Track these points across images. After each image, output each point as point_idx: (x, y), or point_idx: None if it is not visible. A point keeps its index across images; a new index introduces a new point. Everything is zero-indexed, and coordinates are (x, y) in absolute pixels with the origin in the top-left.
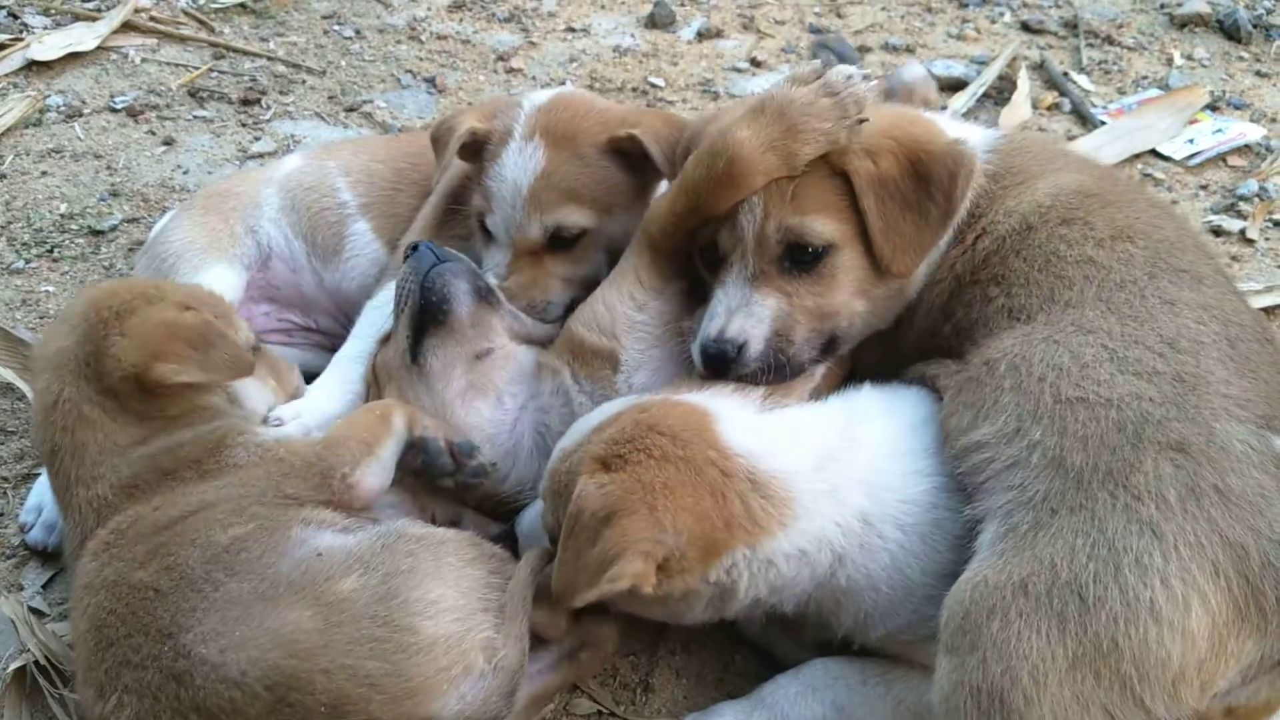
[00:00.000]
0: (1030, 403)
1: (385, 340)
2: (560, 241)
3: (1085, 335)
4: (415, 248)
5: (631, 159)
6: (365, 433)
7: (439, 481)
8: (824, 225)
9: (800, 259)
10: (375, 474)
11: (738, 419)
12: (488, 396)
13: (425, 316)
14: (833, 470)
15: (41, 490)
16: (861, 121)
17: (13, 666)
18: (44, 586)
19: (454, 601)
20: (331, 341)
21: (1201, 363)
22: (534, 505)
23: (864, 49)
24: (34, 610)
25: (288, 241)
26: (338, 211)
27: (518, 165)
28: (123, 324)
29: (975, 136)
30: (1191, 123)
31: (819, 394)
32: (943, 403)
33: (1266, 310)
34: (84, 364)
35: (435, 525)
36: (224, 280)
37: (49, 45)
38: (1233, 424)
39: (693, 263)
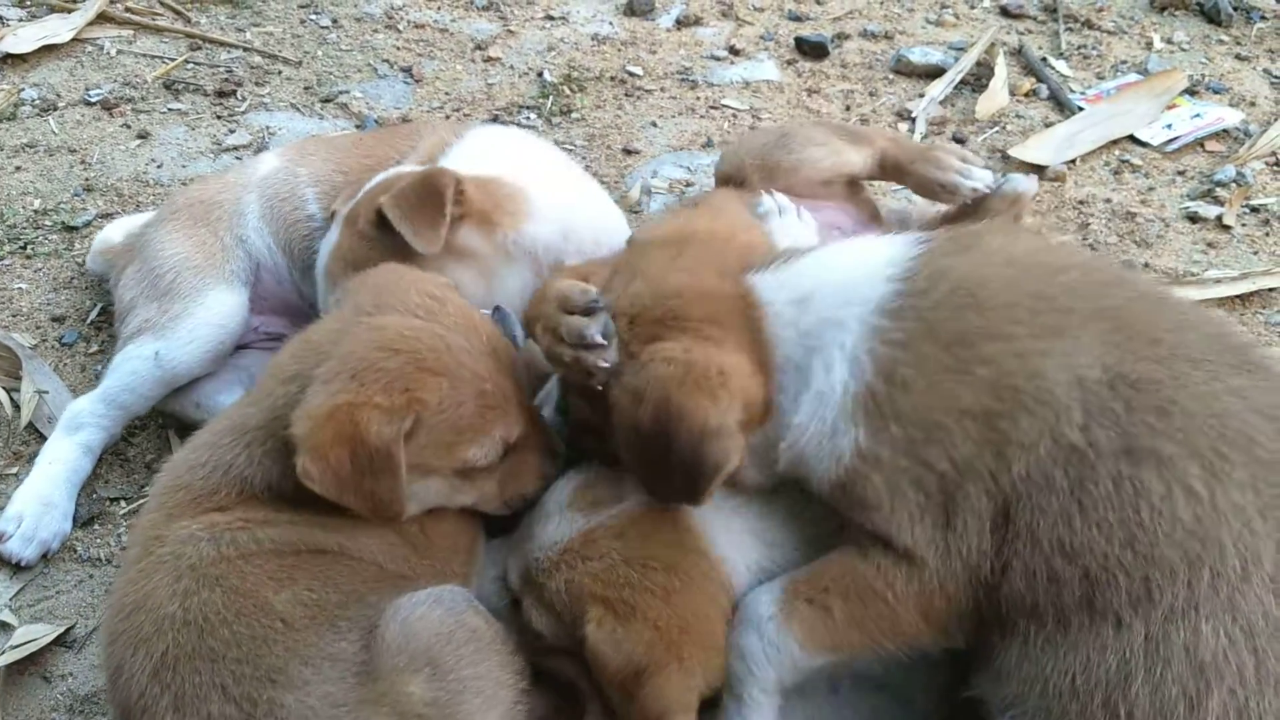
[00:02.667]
0: None
1: None
2: None
3: (1203, 679)
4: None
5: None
6: (467, 537)
7: None
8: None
9: None
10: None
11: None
12: None
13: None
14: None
15: (24, 498)
16: (600, 379)
17: None
18: (13, 598)
19: None
20: None
21: None
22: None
23: (843, 36)
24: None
25: (270, 252)
26: (307, 225)
27: (325, 241)
28: (322, 384)
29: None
30: (1170, 108)
31: None
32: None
33: (1241, 298)
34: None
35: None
36: (226, 305)
37: (23, 38)
38: None
39: None
